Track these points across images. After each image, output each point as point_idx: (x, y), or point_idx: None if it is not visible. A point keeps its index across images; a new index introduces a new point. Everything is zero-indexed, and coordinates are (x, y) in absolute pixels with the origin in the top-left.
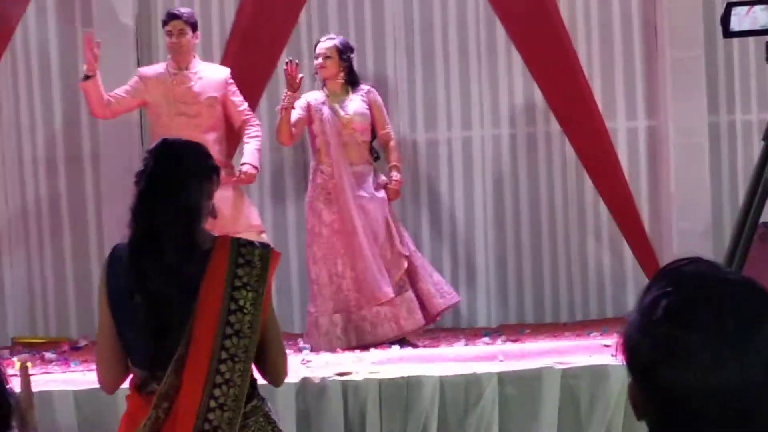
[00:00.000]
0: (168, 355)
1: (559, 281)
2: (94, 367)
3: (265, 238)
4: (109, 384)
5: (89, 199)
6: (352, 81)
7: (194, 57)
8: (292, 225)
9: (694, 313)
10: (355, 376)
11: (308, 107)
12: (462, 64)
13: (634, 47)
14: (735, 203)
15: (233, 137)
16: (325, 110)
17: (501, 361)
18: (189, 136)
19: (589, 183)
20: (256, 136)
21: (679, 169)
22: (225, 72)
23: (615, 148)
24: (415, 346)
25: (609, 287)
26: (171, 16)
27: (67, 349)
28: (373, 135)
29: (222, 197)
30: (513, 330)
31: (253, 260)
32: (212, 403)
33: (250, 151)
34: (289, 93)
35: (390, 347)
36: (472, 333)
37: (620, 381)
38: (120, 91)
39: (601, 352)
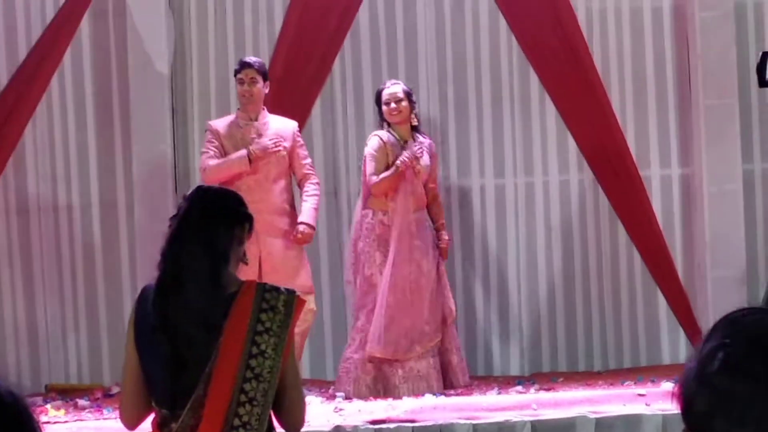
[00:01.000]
0: (188, 394)
1: (592, 329)
2: None
3: (313, 300)
4: (130, 420)
5: (123, 245)
6: (415, 127)
7: (263, 108)
8: (325, 272)
9: (752, 366)
10: (388, 425)
11: (385, 146)
12: (495, 111)
13: (668, 95)
14: None
15: None
16: (405, 154)
17: (535, 409)
18: (258, 185)
19: (622, 231)
20: (314, 195)
21: (713, 217)
22: (293, 124)
23: (649, 196)
24: (447, 394)
25: (643, 336)
26: (243, 65)
27: (100, 396)
28: None
29: (285, 256)
30: (546, 378)
31: (277, 306)
32: None
33: (307, 210)
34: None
35: (423, 395)
36: (505, 381)
37: (654, 430)
38: (211, 150)
39: (635, 401)
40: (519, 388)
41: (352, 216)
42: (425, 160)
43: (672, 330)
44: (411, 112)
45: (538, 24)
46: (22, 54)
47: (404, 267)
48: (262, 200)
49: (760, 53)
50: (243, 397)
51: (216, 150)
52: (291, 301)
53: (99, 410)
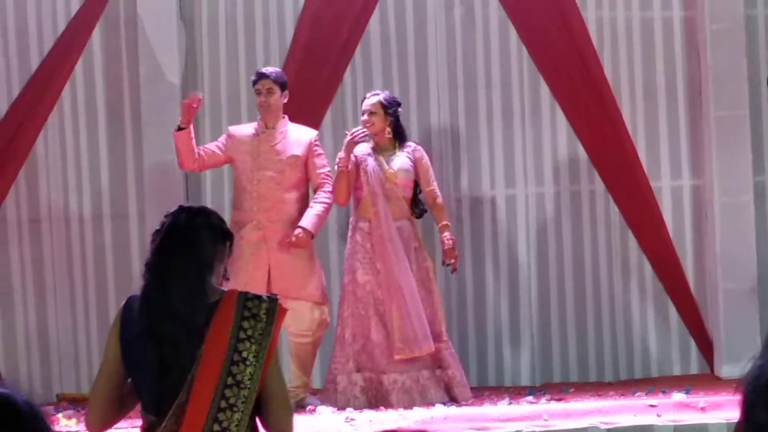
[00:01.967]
0: (172, 399)
1: (603, 340)
2: (139, 423)
3: (326, 311)
4: (95, 425)
5: (134, 256)
6: (399, 136)
7: (283, 117)
8: (336, 281)
9: None
10: None
11: (355, 158)
12: (506, 122)
13: (679, 106)
14: None
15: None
16: (371, 161)
17: (546, 420)
18: (271, 193)
19: (633, 242)
20: (323, 202)
21: (725, 229)
22: (312, 133)
23: (660, 207)
24: (459, 404)
25: (654, 346)
26: (260, 75)
27: None
28: (415, 192)
29: (294, 265)
30: (557, 389)
31: (259, 314)
32: None
33: (308, 215)
34: (342, 156)
35: (434, 406)
36: (516, 391)
37: None
38: (211, 146)
39: (646, 412)
40: (530, 398)
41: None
42: (400, 164)
43: (683, 341)
44: (386, 124)
45: (548, 35)
46: (34, 64)
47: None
48: (274, 208)
49: None
50: (224, 403)
51: (216, 149)
52: (273, 309)
53: None
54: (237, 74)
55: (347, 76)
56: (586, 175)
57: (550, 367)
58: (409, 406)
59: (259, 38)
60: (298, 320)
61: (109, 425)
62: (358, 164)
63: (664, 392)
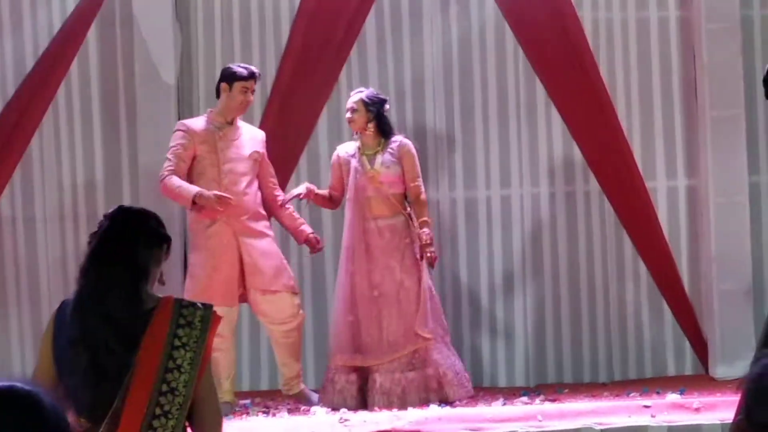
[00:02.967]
0: (107, 405)
1: (597, 341)
2: None
3: (297, 301)
4: None
5: None
6: (384, 132)
7: None
8: (330, 274)
9: None
10: None
11: (338, 159)
12: (501, 122)
13: (674, 106)
14: None
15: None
16: (353, 162)
17: (540, 420)
18: (237, 188)
19: (628, 243)
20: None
21: (720, 229)
22: (263, 133)
23: (655, 207)
24: (453, 405)
25: (648, 347)
26: (254, 76)
27: None
28: None
29: (265, 257)
30: (551, 389)
31: (194, 321)
32: None
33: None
34: (302, 194)
35: (428, 406)
36: (510, 392)
37: None
38: (173, 157)
39: (640, 413)
40: (524, 399)
41: None
42: (383, 161)
43: (677, 342)
44: (367, 120)
45: (544, 35)
46: (30, 63)
47: (363, 277)
48: (238, 204)
49: (767, 65)
50: (158, 410)
51: (182, 159)
52: (207, 317)
53: None
54: None
55: (343, 75)
56: (581, 175)
57: (544, 367)
58: (388, 407)
59: (255, 38)
60: (280, 310)
61: None
62: (341, 165)
63: (658, 393)
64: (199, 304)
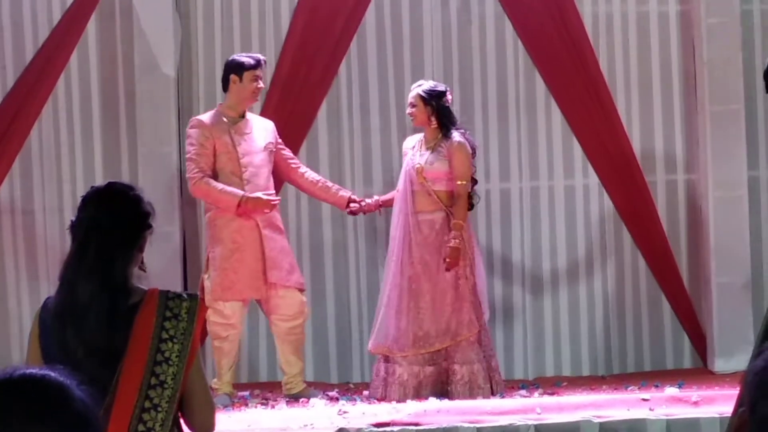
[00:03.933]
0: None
1: (596, 334)
2: None
3: (305, 297)
4: None
5: None
6: (443, 126)
7: None
8: (330, 273)
9: None
10: (392, 428)
11: (404, 153)
12: (501, 116)
13: (674, 100)
14: None
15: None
16: (410, 155)
17: (539, 413)
18: (254, 180)
19: (627, 236)
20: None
21: (719, 223)
22: (272, 123)
23: (654, 201)
24: (452, 398)
25: (647, 340)
26: (261, 63)
27: None
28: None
29: (283, 252)
30: (550, 383)
31: (181, 313)
32: None
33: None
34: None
35: (427, 399)
36: (509, 385)
37: None
38: (197, 158)
39: (639, 406)
40: (523, 392)
41: (356, 218)
42: (433, 157)
43: (676, 335)
44: (428, 114)
45: (544, 29)
46: (29, 55)
47: (398, 267)
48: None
49: (767, 59)
50: (148, 404)
51: (205, 157)
52: (194, 308)
53: None
54: None
55: (342, 68)
56: (581, 169)
57: (543, 360)
58: (402, 399)
59: (255, 30)
60: (291, 306)
61: None
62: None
63: (656, 386)
64: (184, 295)
